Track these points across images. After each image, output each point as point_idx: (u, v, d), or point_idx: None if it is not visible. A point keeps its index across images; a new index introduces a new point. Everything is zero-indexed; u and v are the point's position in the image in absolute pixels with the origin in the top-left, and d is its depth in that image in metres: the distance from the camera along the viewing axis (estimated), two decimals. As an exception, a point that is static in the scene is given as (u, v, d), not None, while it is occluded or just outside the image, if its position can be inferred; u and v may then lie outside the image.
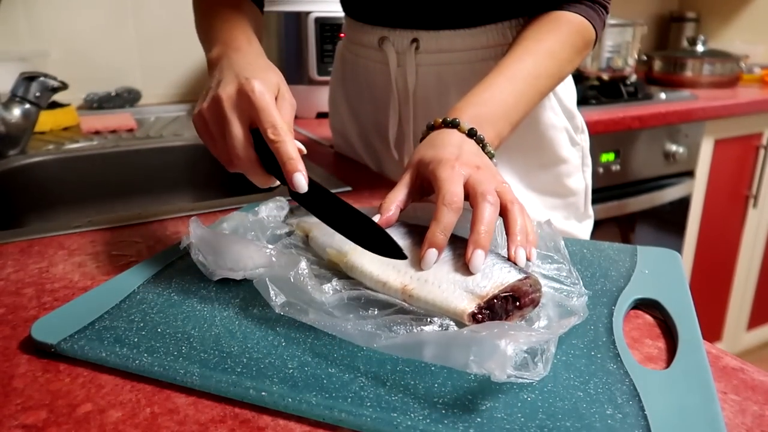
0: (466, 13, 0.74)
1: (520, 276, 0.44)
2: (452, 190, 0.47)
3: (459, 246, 0.48)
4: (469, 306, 0.42)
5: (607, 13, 0.70)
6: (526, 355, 0.38)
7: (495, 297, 0.43)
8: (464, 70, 0.77)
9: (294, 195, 0.49)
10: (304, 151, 0.50)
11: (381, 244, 0.46)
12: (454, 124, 0.55)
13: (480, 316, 0.42)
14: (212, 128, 0.51)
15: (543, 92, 0.65)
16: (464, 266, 0.45)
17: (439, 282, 0.45)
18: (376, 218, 0.49)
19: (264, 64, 0.55)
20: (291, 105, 0.52)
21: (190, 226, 0.53)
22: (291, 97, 0.53)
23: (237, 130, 0.49)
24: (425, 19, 0.76)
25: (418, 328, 0.41)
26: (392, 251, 0.45)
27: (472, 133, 0.55)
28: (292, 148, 0.47)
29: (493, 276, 0.44)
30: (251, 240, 0.52)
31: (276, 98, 0.51)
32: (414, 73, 0.78)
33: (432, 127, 0.57)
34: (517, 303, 0.44)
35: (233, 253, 0.51)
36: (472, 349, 0.37)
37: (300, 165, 0.47)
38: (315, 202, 0.49)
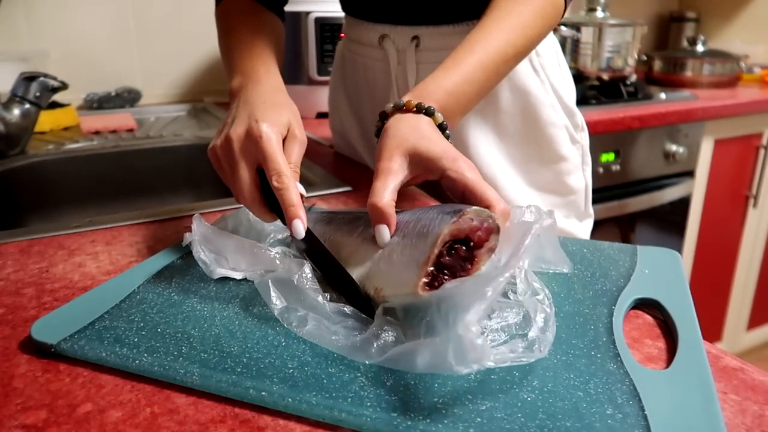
0: (466, 7, 0.74)
1: (453, 218, 0.41)
2: (505, 206, 0.48)
3: (406, 229, 0.46)
4: (418, 278, 0.40)
5: None
6: (522, 340, 0.38)
7: (440, 255, 0.40)
8: None
9: (292, 237, 0.51)
10: (305, 194, 0.52)
11: (357, 300, 0.46)
12: (429, 113, 0.54)
13: (436, 282, 0.40)
14: (224, 165, 0.54)
15: (505, 75, 0.64)
16: (410, 243, 0.44)
17: (396, 271, 0.43)
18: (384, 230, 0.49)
19: (279, 100, 0.56)
20: (301, 144, 0.55)
21: (193, 223, 0.53)
22: (302, 135, 0.55)
23: (244, 173, 0.52)
24: (425, 15, 0.76)
25: (407, 338, 0.40)
26: (365, 309, 0.45)
27: (443, 128, 0.55)
28: (294, 195, 0.49)
29: (428, 234, 0.41)
30: (254, 242, 0.52)
31: (286, 137, 0.54)
32: (414, 71, 0.78)
33: (402, 108, 0.55)
34: (471, 243, 0.41)
35: (236, 253, 0.51)
36: (449, 352, 0.35)
37: (301, 212, 0.49)
38: (310, 247, 0.52)
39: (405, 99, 0.56)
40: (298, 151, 0.54)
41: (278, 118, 0.53)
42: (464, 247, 0.42)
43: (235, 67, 0.62)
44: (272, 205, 0.52)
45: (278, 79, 0.61)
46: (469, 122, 0.78)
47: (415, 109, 0.55)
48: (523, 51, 0.64)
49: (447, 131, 0.56)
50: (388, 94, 0.82)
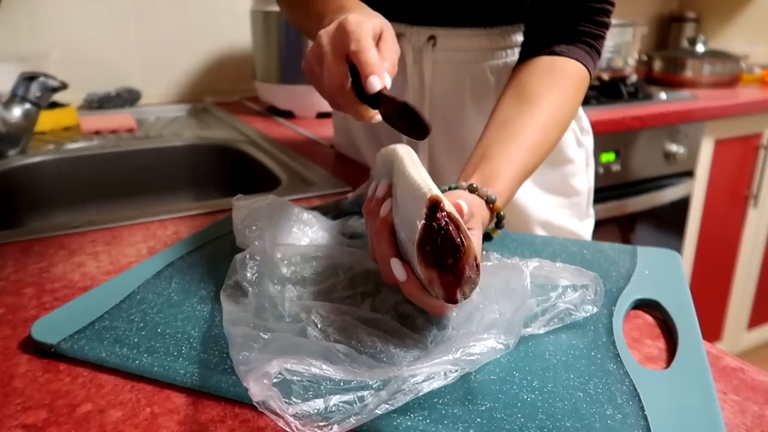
0: (485, 12, 0.75)
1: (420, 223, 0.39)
2: None
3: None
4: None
5: (600, 57, 0.69)
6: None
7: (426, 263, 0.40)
8: (481, 69, 0.78)
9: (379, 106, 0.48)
10: (390, 74, 0.48)
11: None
12: (490, 200, 0.55)
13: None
14: (314, 67, 0.51)
15: (542, 161, 0.64)
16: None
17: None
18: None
19: (372, 12, 0.54)
20: (395, 48, 0.51)
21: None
22: (395, 45, 0.52)
23: (331, 60, 0.49)
24: (443, 16, 0.76)
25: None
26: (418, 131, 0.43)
27: (499, 218, 0.56)
28: (372, 56, 0.46)
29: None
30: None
31: (380, 39, 0.51)
32: (431, 70, 0.78)
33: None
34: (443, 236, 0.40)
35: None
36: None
37: (378, 69, 0.46)
38: (385, 108, 0.48)
39: (473, 182, 0.55)
40: (391, 52, 0.50)
41: (370, 19, 0.50)
42: (444, 242, 0.39)
43: (322, 12, 0.59)
44: (366, 100, 0.49)
45: (369, 9, 0.58)
46: (482, 123, 0.79)
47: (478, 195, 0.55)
48: (557, 139, 0.65)
49: (503, 222, 0.56)
50: (401, 92, 0.81)
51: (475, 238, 0.48)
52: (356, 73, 0.49)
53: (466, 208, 0.45)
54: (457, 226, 0.39)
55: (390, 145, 0.52)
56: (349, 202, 0.67)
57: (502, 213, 0.55)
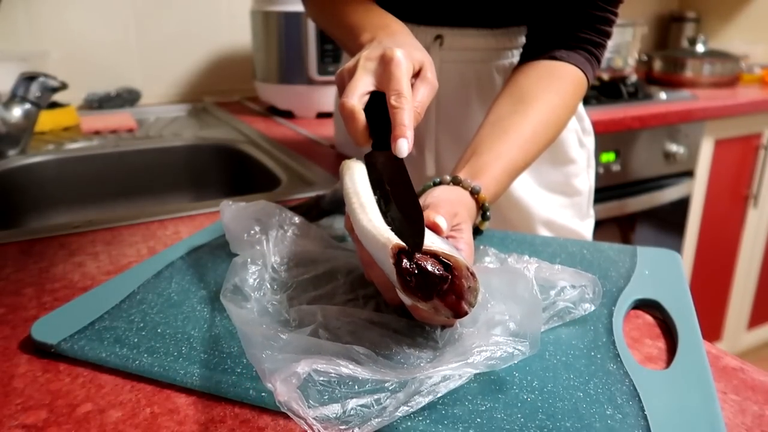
0: (491, 13, 0.75)
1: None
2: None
3: None
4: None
5: (600, 65, 0.69)
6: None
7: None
8: (487, 68, 0.78)
9: (368, 161, 0.49)
10: (416, 118, 0.49)
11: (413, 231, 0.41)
12: (474, 191, 0.55)
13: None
14: (346, 82, 0.51)
15: (533, 159, 0.64)
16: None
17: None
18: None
19: (416, 44, 0.55)
20: (431, 87, 0.52)
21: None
22: (434, 78, 0.52)
23: (360, 82, 0.49)
24: (450, 17, 0.76)
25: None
26: (414, 241, 0.40)
27: (484, 210, 0.57)
28: (408, 118, 0.47)
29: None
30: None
31: (419, 75, 0.51)
32: (438, 70, 0.78)
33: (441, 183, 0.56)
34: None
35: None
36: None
37: (409, 133, 0.46)
38: (385, 178, 0.47)
39: (459, 175, 0.56)
40: (425, 92, 0.51)
41: (413, 54, 0.51)
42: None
43: (361, 25, 0.60)
44: (372, 131, 0.49)
45: (411, 34, 0.59)
46: None
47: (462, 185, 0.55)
48: (550, 140, 0.65)
49: (488, 213, 0.57)
50: None
51: (464, 233, 0.49)
52: (376, 99, 0.49)
53: (444, 225, 0.45)
54: (434, 254, 0.38)
55: (343, 166, 0.51)
56: (327, 201, 0.66)
57: (487, 205, 0.56)
